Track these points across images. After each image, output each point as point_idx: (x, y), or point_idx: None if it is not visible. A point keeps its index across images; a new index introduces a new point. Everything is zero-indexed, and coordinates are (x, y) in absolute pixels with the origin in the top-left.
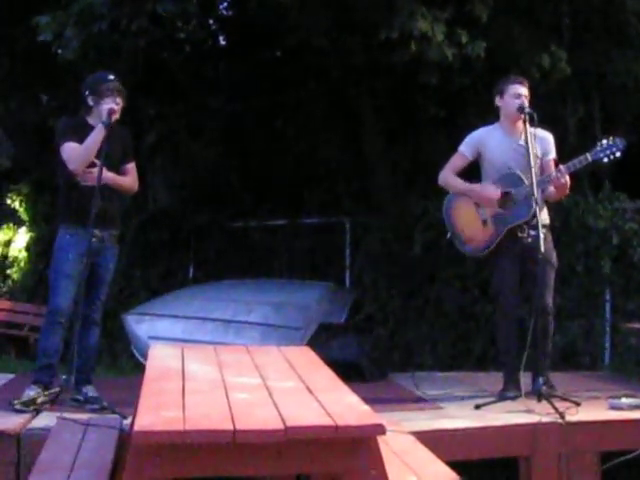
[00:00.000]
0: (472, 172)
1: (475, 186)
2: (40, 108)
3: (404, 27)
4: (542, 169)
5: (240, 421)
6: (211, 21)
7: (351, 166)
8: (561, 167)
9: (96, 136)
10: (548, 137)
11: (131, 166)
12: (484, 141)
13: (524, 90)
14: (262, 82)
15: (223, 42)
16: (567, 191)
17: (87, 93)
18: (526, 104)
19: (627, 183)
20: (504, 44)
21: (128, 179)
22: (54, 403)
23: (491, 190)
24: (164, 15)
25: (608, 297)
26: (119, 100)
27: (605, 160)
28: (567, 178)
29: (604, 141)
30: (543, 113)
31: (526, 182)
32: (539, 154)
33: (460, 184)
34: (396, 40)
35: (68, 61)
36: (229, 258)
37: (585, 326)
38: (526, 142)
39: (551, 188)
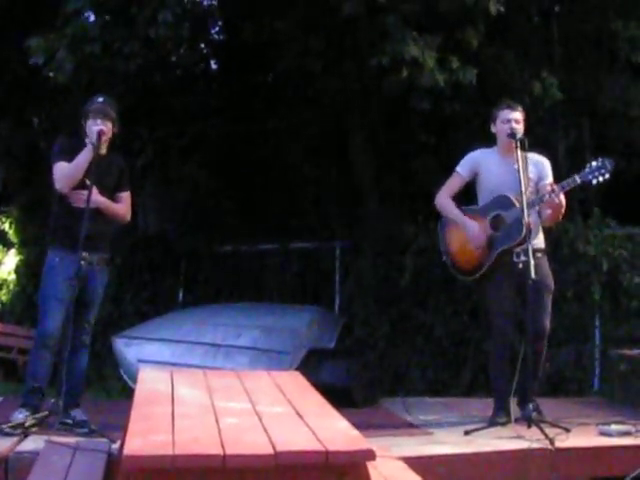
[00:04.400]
0: (467, 193)
1: (466, 220)
2: (31, 130)
3: (396, 53)
4: (538, 193)
5: (230, 446)
6: (203, 45)
7: (341, 190)
8: (554, 187)
9: (84, 156)
10: (544, 162)
11: (126, 195)
12: (481, 162)
13: (514, 114)
14: (253, 106)
15: (215, 66)
16: (563, 211)
17: (80, 115)
18: (517, 129)
19: (617, 209)
20: (495, 70)
21: (121, 207)
22: (42, 426)
23: (476, 233)
24: (156, 39)
25: (597, 323)
26: (107, 122)
27: (594, 182)
28: (562, 198)
29: (593, 163)
30: (534, 138)
31: (517, 205)
32: (534, 178)
33: (452, 212)
34: (388, 66)
35: (60, 84)
36: (219, 282)
37: (574, 352)
38: (518, 167)
39: (548, 210)
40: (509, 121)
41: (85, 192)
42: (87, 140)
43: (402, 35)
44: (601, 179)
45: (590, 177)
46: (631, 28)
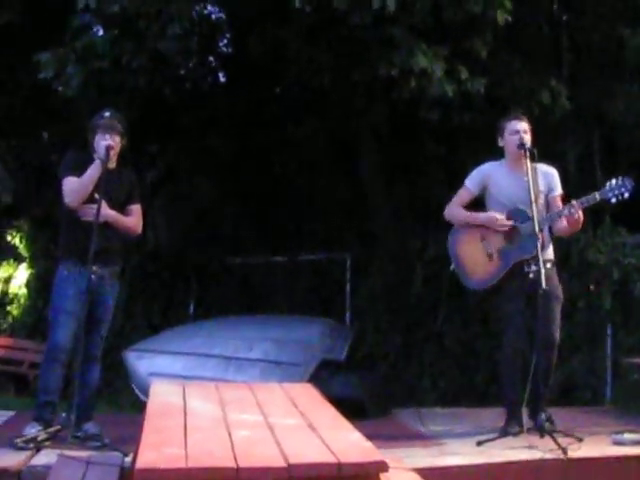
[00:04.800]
0: (475, 206)
1: (480, 215)
2: (41, 145)
3: (404, 63)
4: (548, 205)
5: (242, 459)
6: (211, 58)
7: (351, 201)
8: (574, 202)
9: (92, 171)
10: (553, 173)
11: (136, 207)
12: (490, 175)
13: (522, 125)
14: (262, 119)
15: (223, 79)
16: (580, 226)
17: (88, 129)
18: (526, 140)
19: (627, 217)
20: (504, 80)
21: (132, 219)
22: (55, 440)
23: (497, 218)
24: (165, 53)
25: (609, 332)
26: (115, 136)
27: (613, 200)
28: (580, 213)
29: (613, 181)
30: (543, 148)
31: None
32: (544, 190)
33: (466, 215)
34: (396, 76)
35: (69, 98)
36: (230, 295)
37: (586, 361)
38: (527, 178)
39: (564, 223)
40: (517, 132)
41: (94, 206)
42: (95, 155)
43: (410, 46)
44: (620, 198)
45: (610, 195)
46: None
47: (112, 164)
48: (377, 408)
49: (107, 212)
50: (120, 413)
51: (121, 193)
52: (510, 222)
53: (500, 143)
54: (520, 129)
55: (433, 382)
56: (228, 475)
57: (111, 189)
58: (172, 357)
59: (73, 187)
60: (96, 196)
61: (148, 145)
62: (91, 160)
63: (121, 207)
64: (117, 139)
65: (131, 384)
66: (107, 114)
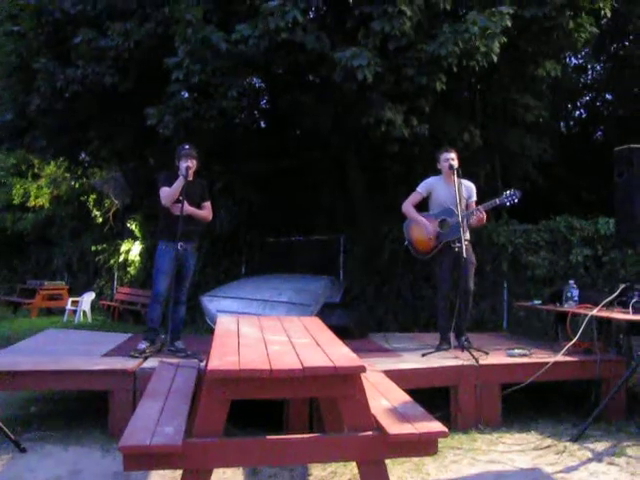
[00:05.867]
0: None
1: (422, 220)
2: (148, 167)
3: (377, 115)
4: (468, 206)
5: (274, 363)
6: (255, 112)
7: (344, 203)
8: (480, 207)
9: (177, 184)
10: (472, 186)
11: (207, 204)
12: (433, 185)
13: (451, 154)
14: (286, 150)
15: (263, 125)
16: (484, 221)
17: (175, 156)
18: (454, 164)
19: (517, 213)
20: (440, 126)
21: (204, 212)
22: (157, 352)
23: (430, 227)
24: (227, 108)
25: (505, 285)
26: (192, 160)
27: (507, 204)
28: (484, 214)
29: (507, 192)
30: (464, 169)
31: (456, 214)
32: (465, 196)
33: (414, 214)
34: (372, 123)
35: (166, 137)
36: (266, 261)
37: (491, 304)
38: (455, 189)
39: (474, 220)
40: (447, 160)
41: (179, 205)
42: (179, 172)
43: (381, 104)
44: (512, 202)
45: (505, 201)
46: (526, 98)
47: (190, 178)
48: (359, 332)
49: (187, 208)
50: (198, 336)
51: (196, 195)
52: (434, 232)
53: (438, 166)
54: (449, 157)
55: (394, 316)
56: (265, 373)
57: (190, 193)
58: (231, 300)
59: (166, 194)
60: (180, 198)
61: (215, 166)
62: (177, 176)
63: (197, 204)
64: (194, 162)
65: (205, 317)
66: (187, 146)
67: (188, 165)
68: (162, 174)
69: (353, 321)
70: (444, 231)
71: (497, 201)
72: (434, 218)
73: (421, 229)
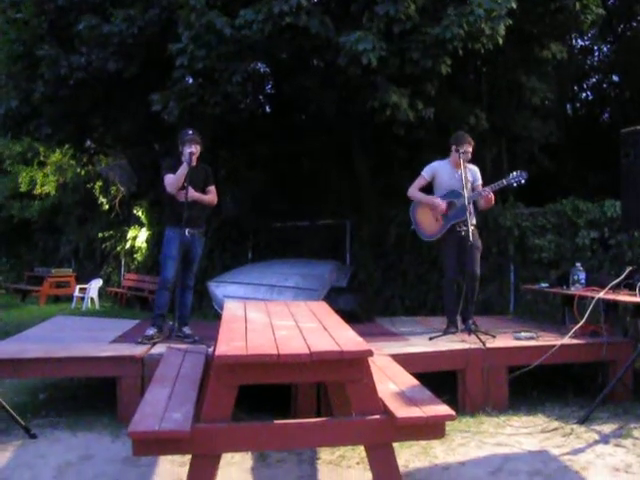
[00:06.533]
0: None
1: (431, 197)
2: (153, 152)
3: (382, 99)
4: (473, 189)
5: (282, 348)
6: (260, 97)
7: (350, 188)
8: (487, 188)
9: (182, 170)
10: (476, 169)
11: (211, 188)
12: (438, 169)
13: (470, 148)
14: (292, 135)
15: (268, 110)
16: (492, 203)
17: (178, 142)
18: (468, 157)
19: (524, 196)
20: (445, 109)
21: (209, 197)
22: (165, 338)
23: (440, 202)
24: (231, 93)
25: (512, 269)
26: (195, 146)
27: (514, 184)
28: (492, 195)
29: (514, 172)
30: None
31: (463, 196)
32: (471, 180)
33: (421, 196)
34: (377, 107)
35: (171, 123)
36: (273, 246)
37: (497, 287)
38: (461, 173)
39: (482, 201)
40: (466, 153)
41: (184, 191)
42: (183, 159)
43: (386, 88)
44: (519, 183)
45: (512, 181)
46: (532, 81)
47: (194, 163)
48: (366, 316)
49: (192, 194)
50: (205, 321)
51: (200, 180)
52: (444, 208)
53: (452, 148)
54: (469, 151)
55: (401, 300)
56: (273, 358)
57: (194, 179)
58: (238, 285)
59: (170, 181)
60: (185, 184)
61: (220, 150)
62: (180, 163)
63: (202, 189)
64: (198, 147)
65: (212, 303)
66: (190, 131)
67: (192, 151)
68: (165, 160)
69: (360, 305)
70: (451, 212)
71: (504, 182)
72: (441, 200)
73: (428, 210)
